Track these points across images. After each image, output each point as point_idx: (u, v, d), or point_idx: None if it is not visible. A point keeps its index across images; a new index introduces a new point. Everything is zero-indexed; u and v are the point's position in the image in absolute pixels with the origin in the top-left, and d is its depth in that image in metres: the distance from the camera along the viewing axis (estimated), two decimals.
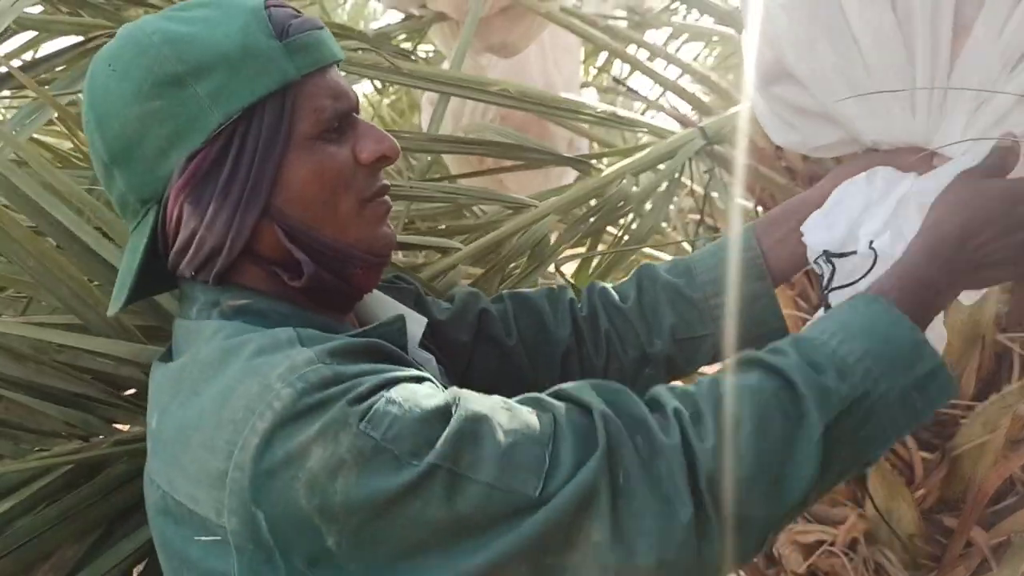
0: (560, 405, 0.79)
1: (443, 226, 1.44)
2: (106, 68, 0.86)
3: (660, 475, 0.75)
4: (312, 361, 0.76)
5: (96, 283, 1.13)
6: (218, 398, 0.78)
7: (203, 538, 0.77)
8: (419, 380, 0.79)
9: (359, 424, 0.73)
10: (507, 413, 0.77)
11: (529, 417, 0.77)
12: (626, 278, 1.17)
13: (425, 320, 1.01)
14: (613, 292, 1.15)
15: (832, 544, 2.03)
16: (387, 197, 0.92)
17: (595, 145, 2.46)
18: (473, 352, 1.11)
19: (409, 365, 0.82)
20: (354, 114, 0.90)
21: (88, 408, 1.10)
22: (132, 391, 1.14)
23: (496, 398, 0.80)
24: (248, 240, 0.85)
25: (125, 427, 1.16)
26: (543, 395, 0.81)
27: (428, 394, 0.77)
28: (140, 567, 1.13)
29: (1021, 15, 0.84)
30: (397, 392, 0.76)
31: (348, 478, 0.72)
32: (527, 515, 0.73)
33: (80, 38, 1.38)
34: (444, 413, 0.75)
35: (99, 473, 1.08)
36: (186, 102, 0.83)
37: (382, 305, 1.00)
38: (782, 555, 2.13)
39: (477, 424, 0.75)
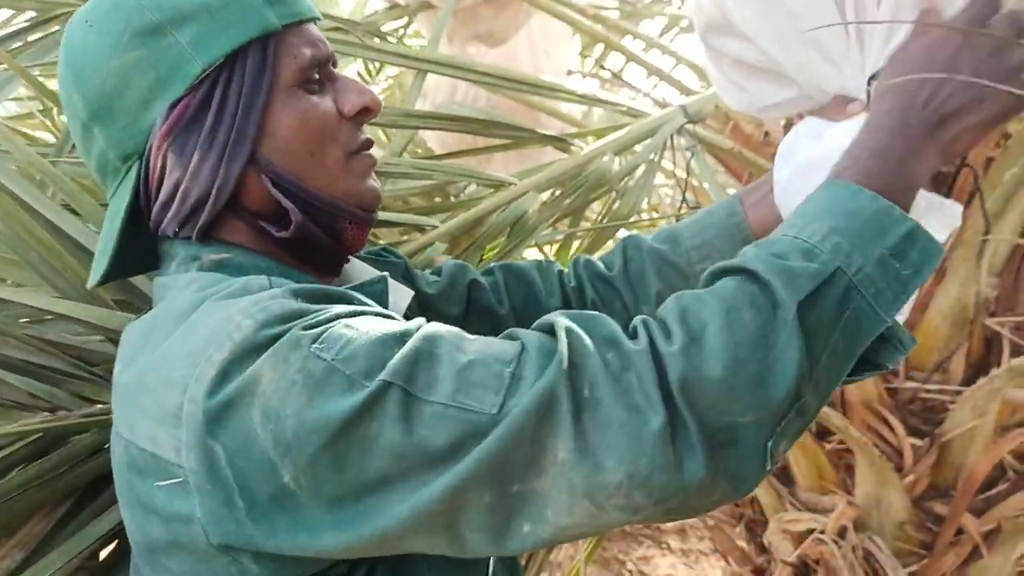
0: (530, 332, 0.75)
1: (421, 204, 1.43)
2: (83, 25, 0.85)
3: (630, 386, 0.68)
4: (276, 296, 0.75)
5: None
6: (180, 336, 0.76)
7: (164, 482, 0.75)
8: (387, 316, 0.77)
9: (311, 346, 0.70)
10: (471, 340, 0.74)
11: (495, 342, 0.74)
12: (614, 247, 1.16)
13: (411, 292, 0.99)
14: (598, 262, 1.15)
15: (822, 532, 2.01)
16: (371, 152, 0.92)
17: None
18: (464, 325, 1.09)
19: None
20: (332, 66, 0.90)
21: (54, 381, 1.09)
22: (101, 366, 1.13)
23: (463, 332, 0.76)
24: (234, 191, 0.85)
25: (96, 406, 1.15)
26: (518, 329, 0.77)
27: (390, 322, 0.74)
28: (108, 549, 1.11)
29: None
30: (357, 320, 0.73)
31: (299, 401, 0.69)
32: (486, 434, 0.68)
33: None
34: (402, 335, 0.72)
35: (59, 446, 1.06)
36: (167, 50, 0.82)
37: (367, 274, 0.98)
38: (772, 543, 2.11)
39: (434, 344, 0.72)
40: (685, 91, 2.32)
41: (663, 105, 2.39)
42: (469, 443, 0.68)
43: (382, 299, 0.87)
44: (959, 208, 0.87)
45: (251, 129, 0.84)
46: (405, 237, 1.39)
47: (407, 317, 0.95)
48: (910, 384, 1.97)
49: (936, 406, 1.96)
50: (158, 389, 0.75)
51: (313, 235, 0.87)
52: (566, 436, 0.67)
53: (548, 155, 2.45)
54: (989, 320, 1.90)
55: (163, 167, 0.84)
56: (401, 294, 0.97)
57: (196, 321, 0.76)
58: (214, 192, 0.84)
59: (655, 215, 2.39)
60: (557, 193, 1.44)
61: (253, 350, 0.71)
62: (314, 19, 0.90)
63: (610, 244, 1.72)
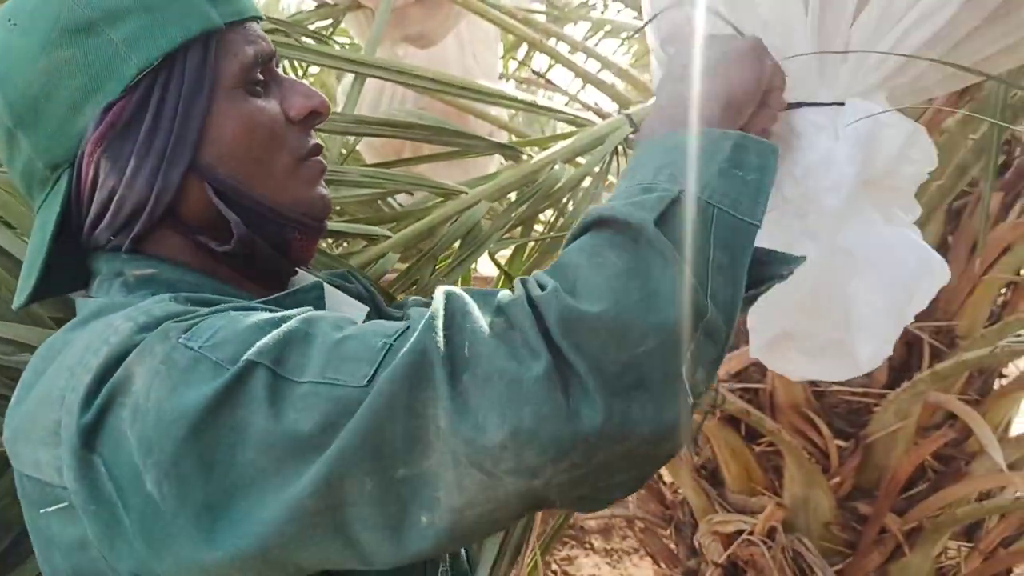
0: (423, 310, 0.66)
1: (363, 214, 1.40)
2: (6, 24, 0.78)
3: (514, 340, 0.61)
4: (163, 300, 0.70)
5: None
6: (62, 354, 0.71)
7: (50, 508, 0.68)
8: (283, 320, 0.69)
9: (179, 337, 0.65)
10: (361, 325, 0.67)
11: (385, 323, 0.67)
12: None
13: (366, 308, 0.94)
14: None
15: (751, 533, 2.05)
16: (321, 157, 0.87)
17: (513, 138, 2.44)
18: None
19: None
20: (275, 66, 0.85)
21: None
22: None
23: None
24: (172, 201, 0.78)
25: None
26: None
27: (275, 314, 0.68)
28: None
29: None
30: (236, 312, 0.68)
31: (161, 392, 0.63)
32: (355, 409, 0.60)
33: None
34: (279, 321, 0.66)
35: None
36: (99, 50, 0.76)
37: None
38: (702, 545, 2.15)
39: (310, 325, 0.65)
40: (614, 95, 2.34)
41: (595, 111, 2.41)
42: (339, 423, 0.60)
43: (316, 307, 0.77)
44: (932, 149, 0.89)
45: (191, 134, 0.78)
46: (351, 248, 1.36)
47: None
48: (835, 387, 2.03)
49: (861, 409, 2.02)
50: (38, 410, 0.70)
51: (257, 248, 0.81)
52: (443, 398, 0.59)
53: (484, 163, 2.44)
54: (910, 324, 1.96)
55: (96, 175, 0.78)
56: (349, 307, 0.91)
57: (81, 334, 0.72)
58: (151, 201, 0.77)
59: None
60: (506, 203, 1.42)
61: (128, 352, 0.66)
62: (257, 17, 0.84)
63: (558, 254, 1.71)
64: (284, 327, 0.65)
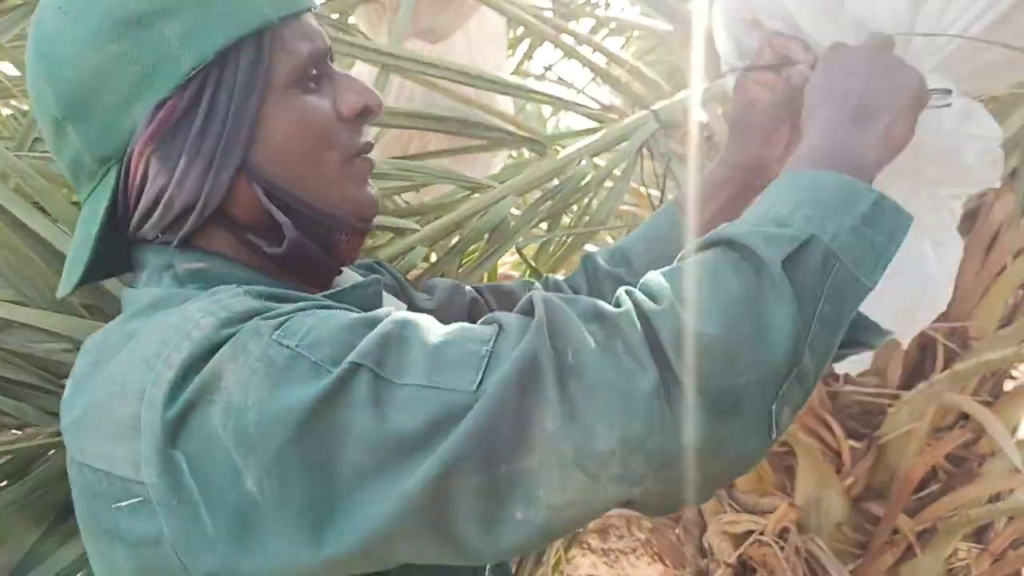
0: (509, 314, 0.69)
1: (403, 205, 1.38)
2: (56, 12, 0.76)
3: (616, 350, 0.64)
4: (239, 295, 0.70)
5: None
6: (133, 344, 0.70)
7: (123, 503, 0.68)
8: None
9: (271, 334, 0.65)
10: (445, 326, 0.68)
11: (470, 326, 0.69)
12: (575, 270, 1.15)
13: (404, 306, 0.94)
14: (565, 286, 1.11)
15: (762, 533, 2.05)
16: (371, 155, 0.85)
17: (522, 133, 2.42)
18: None
19: None
20: (329, 61, 0.83)
21: (20, 395, 0.99)
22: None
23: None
24: (222, 201, 0.77)
25: None
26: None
27: (358, 313, 0.69)
28: None
29: None
30: (322, 310, 0.68)
31: (261, 391, 0.63)
32: (466, 413, 0.62)
33: None
34: (371, 321, 0.67)
35: (33, 467, 0.97)
36: (152, 45, 0.74)
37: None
38: (713, 545, 2.14)
39: (405, 328, 0.66)
40: (627, 92, 2.33)
41: (606, 107, 2.40)
42: (448, 425, 0.62)
43: (374, 304, 0.80)
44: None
45: (243, 134, 0.76)
46: (378, 241, 1.33)
47: None
48: (849, 387, 2.03)
49: (874, 409, 2.02)
50: (110, 402, 0.69)
51: (306, 250, 0.80)
52: (553, 404, 0.62)
53: (486, 158, 2.42)
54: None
55: (145, 173, 0.76)
56: (390, 301, 0.91)
57: (150, 326, 0.70)
58: (201, 202, 0.76)
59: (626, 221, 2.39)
60: (533, 197, 1.41)
61: (213, 348, 0.66)
62: (310, 8, 0.82)
63: (585, 249, 1.70)
64: (379, 329, 0.66)
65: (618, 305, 0.68)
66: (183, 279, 0.77)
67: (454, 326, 0.68)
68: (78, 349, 1.03)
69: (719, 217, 1.08)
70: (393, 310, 0.70)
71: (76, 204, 1.02)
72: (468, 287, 1.09)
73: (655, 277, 0.70)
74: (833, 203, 0.73)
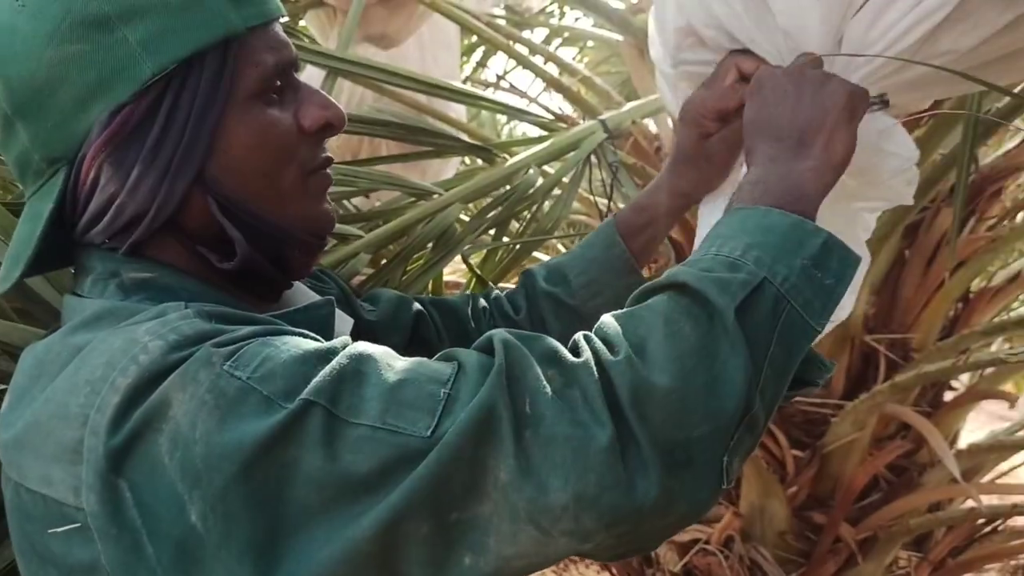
0: (468, 351, 0.69)
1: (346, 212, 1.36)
2: (13, 4, 0.74)
3: (574, 400, 0.64)
4: (189, 316, 0.68)
5: None
6: (77, 363, 0.68)
7: (59, 529, 0.66)
8: (312, 340, 0.69)
9: (223, 364, 0.63)
10: (403, 360, 0.67)
11: (428, 362, 0.68)
12: (515, 286, 1.15)
13: (351, 320, 0.92)
14: (506, 303, 1.11)
15: (707, 542, 2.06)
16: (329, 170, 0.83)
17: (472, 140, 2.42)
18: (405, 353, 1.03)
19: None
20: (295, 73, 0.81)
21: None
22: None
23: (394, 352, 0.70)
24: (174, 211, 0.75)
25: None
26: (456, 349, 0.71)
27: (312, 342, 0.67)
28: None
29: None
30: (277, 338, 0.66)
31: (209, 424, 0.61)
32: (419, 459, 0.61)
33: None
34: (326, 353, 0.65)
35: None
36: (113, 48, 0.72)
37: (309, 298, 0.89)
38: (659, 554, 2.14)
39: (361, 363, 0.65)
40: (577, 101, 2.33)
41: (558, 116, 2.40)
42: (400, 469, 0.61)
43: (326, 324, 0.79)
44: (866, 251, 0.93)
45: (201, 145, 0.74)
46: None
47: None
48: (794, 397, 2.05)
49: (817, 419, 2.04)
50: (52, 424, 0.67)
51: (257, 265, 0.79)
52: (507, 455, 0.62)
53: (438, 165, 2.41)
54: (868, 336, 2.00)
55: (96, 178, 0.74)
56: (342, 321, 0.90)
57: (96, 346, 0.68)
58: (152, 211, 0.74)
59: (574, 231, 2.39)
60: (479, 205, 1.40)
61: (161, 374, 0.64)
62: (279, 18, 0.80)
63: (533, 257, 1.69)
64: (336, 364, 0.64)
65: (575, 351, 0.68)
66: (129, 289, 0.75)
67: (412, 362, 0.67)
68: (7, 353, 1.01)
69: (657, 243, 1.09)
70: (349, 340, 0.68)
71: (9, 205, 1.00)
72: (413, 300, 1.08)
73: (612, 325, 0.70)
74: (783, 245, 0.73)
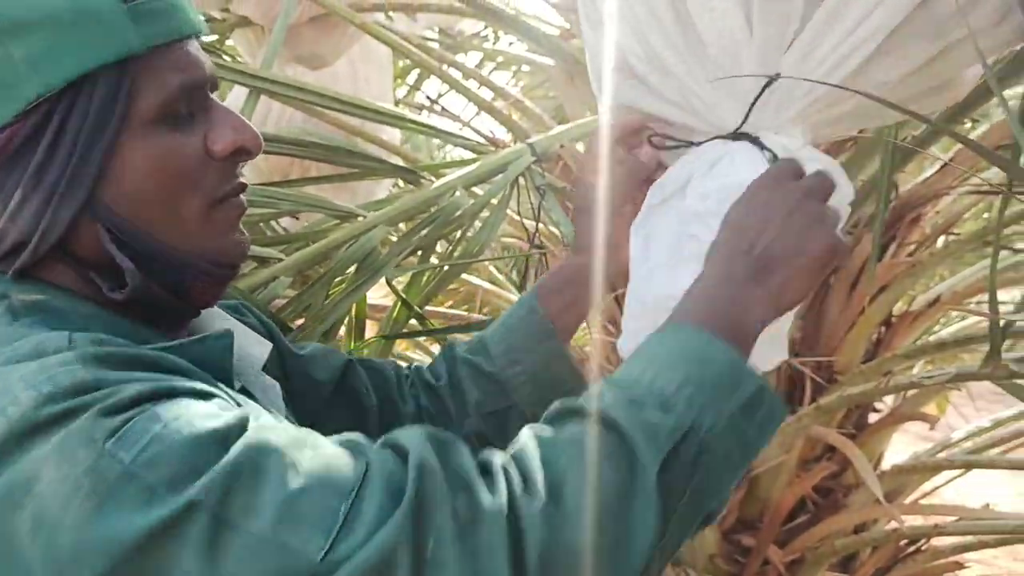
0: (379, 452, 0.65)
1: (254, 237, 1.33)
2: None
3: (478, 546, 0.60)
4: (68, 362, 0.62)
5: None
6: None
7: None
8: (206, 396, 0.65)
9: (106, 441, 0.58)
10: (310, 452, 0.62)
11: (335, 460, 0.63)
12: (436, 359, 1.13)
13: (270, 344, 0.89)
14: (427, 372, 1.09)
15: None
16: (242, 197, 0.80)
17: (403, 163, 2.41)
18: (331, 399, 1.00)
19: (208, 384, 0.68)
20: (209, 92, 0.77)
21: None
22: None
23: (305, 431, 0.66)
24: (62, 236, 0.72)
25: None
26: (364, 439, 0.67)
27: (209, 413, 0.62)
28: None
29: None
30: (166, 406, 0.61)
31: (84, 510, 0.57)
32: None
33: None
34: (223, 437, 0.60)
35: None
36: None
37: (222, 324, 0.85)
38: None
39: (262, 457, 0.60)
40: (508, 124, 2.34)
41: (489, 139, 2.40)
42: None
43: (224, 357, 0.75)
44: (785, 344, 0.90)
45: (90, 171, 0.71)
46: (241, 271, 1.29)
47: (266, 371, 0.85)
48: None
49: None
50: None
51: (153, 295, 0.75)
52: None
53: (368, 187, 2.39)
54: (793, 360, 2.02)
55: None
56: (253, 342, 0.86)
57: None
58: (36, 239, 0.71)
59: (504, 254, 2.38)
60: (404, 228, 1.39)
61: (31, 431, 0.59)
62: (193, 35, 0.76)
63: (459, 282, 1.67)
64: (233, 454, 0.59)
65: (490, 477, 0.64)
66: (19, 312, 0.71)
67: (318, 461, 0.62)
68: None
69: (583, 303, 1.06)
70: (254, 422, 0.63)
71: None
72: (344, 353, 1.06)
73: (531, 454, 0.66)
74: (719, 383, 0.69)
